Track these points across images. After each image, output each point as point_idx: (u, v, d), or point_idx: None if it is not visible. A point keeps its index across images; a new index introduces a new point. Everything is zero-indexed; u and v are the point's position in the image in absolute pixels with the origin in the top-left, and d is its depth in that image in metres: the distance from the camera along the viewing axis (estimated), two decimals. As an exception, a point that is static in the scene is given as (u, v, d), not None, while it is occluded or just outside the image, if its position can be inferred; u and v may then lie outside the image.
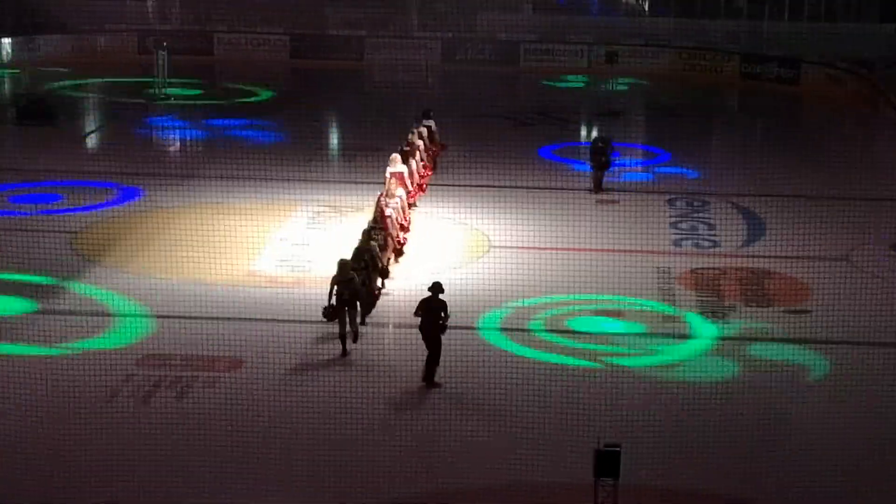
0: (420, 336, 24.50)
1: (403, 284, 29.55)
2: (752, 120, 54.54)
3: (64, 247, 32.23)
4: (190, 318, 27.85)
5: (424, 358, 24.57)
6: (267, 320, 27.83)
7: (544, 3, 63.34)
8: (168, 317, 27.93)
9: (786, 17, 59.86)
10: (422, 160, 37.14)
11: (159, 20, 64.01)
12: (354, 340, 26.11)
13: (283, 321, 27.79)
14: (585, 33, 61.25)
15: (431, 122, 39.17)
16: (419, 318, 24.50)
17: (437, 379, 24.45)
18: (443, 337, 24.48)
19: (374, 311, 27.68)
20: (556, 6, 63.42)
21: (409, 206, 33.99)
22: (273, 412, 23.34)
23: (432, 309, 24.40)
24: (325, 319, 25.96)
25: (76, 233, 33.28)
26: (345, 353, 25.93)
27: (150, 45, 55.38)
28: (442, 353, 24.56)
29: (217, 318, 27.86)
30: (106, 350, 25.87)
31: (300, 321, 27.70)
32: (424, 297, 24.59)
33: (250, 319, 27.86)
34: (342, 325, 26.02)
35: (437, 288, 24.51)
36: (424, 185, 36.59)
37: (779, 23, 59.93)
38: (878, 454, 22.33)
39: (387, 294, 28.92)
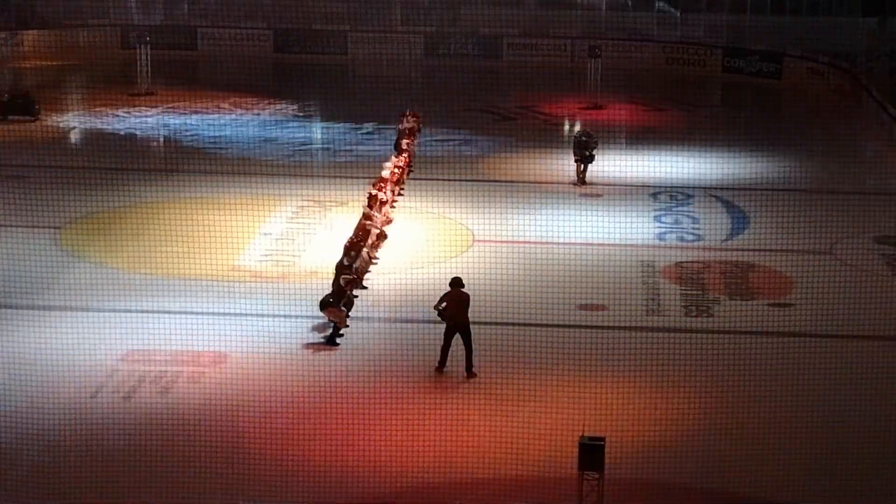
0: (446, 330, 24.82)
1: (386, 280, 29.61)
2: (735, 114, 54.60)
3: (48, 241, 32.19)
4: (174, 313, 27.81)
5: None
6: (251, 315, 27.82)
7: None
8: (152, 312, 27.89)
9: (768, 11, 59.90)
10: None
11: (142, 15, 63.82)
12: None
13: (268, 315, 27.78)
14: (568, 27, 61.25)
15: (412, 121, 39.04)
16: (435, 312, 24.94)
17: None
18: (421, 331, 24.74)
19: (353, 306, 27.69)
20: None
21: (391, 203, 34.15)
22: (257, 407, 23.33)
23: (463, 301, 24.77)
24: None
25: (60, 228, 33.21)
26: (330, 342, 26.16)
27: (133, 40, 55.19)
28: (424, 346, 24.75)
29: (201, 313, 27.83)
30: (89, 345, 25.82)
31: (284, 315, 27.71)
32: (448, 292, 24.87)
33: (234, 314, 27.84)
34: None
35: (459, 282, 24.93)
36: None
37: (761, 17, 59.97)
38: (862, 446, 22.39)
39: (366, 289, 29.03)
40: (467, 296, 24.98)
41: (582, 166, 38.44)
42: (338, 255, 28.07)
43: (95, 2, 62.75)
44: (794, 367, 24.94)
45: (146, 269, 30.48)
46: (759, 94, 55.32)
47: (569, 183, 38.21)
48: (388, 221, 33.04)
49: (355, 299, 28.01)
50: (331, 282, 26.98)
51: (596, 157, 38.56)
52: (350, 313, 27.18)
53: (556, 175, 38.54)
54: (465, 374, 24.76)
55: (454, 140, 44.15)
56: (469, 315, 24.87)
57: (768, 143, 44.79)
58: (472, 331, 24.81)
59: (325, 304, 26.34)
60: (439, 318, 24.90)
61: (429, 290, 25.36)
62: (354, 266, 28.08)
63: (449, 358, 24.86)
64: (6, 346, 25.68)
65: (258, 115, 48.17)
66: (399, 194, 35.80)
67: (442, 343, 24.88)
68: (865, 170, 41.18)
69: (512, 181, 38.19)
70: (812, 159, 41.92)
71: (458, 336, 24.79)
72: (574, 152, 38.82)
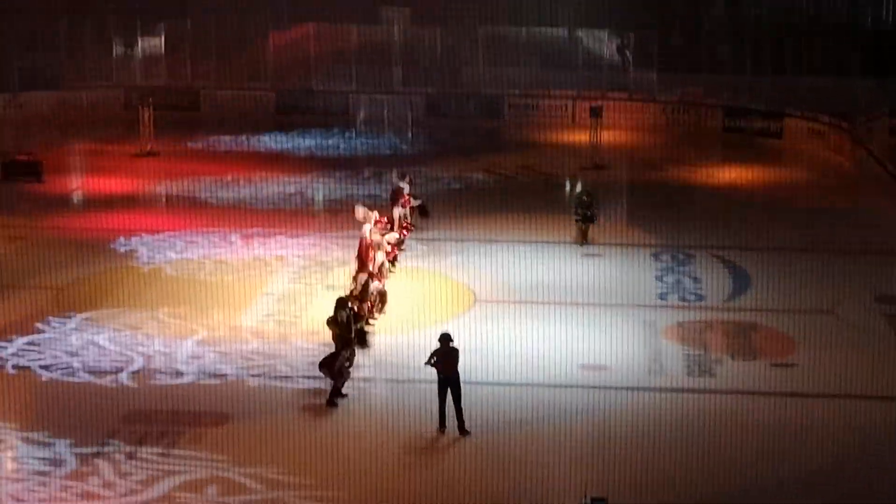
0: (438, 386, 24.90)
1: (386, 340, 29.61)
2: (736, 173, 54.62)
3: (49, 302, 32.24)
4: (174, 373, 27.82)
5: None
6: (252, 375, 27.78)
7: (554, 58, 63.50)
8: (153, 371, 27.87)
9: (769, 71, 60.09)
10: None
11: (145, 77, 64.16)
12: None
13: (269, 375, 27.75)
14: (570, 87, 61.46)
15: (406, 186, 38.95)
16: (429, 369, 25.10)
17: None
18: (422, 391, 25.15)
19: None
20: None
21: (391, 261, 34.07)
22: (260, 468, 23.28)
23: (452, 356, 24.88)
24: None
25: (62, 288, 33.27)
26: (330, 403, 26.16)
27: (136, 101, 55.43)
28: (425, 406, 24.78)
29: (202, 373, 27.82)
30: (91, 405, 25.83)
31: (286, 376, 27.69)
32: (437, 348, 24.99)
33: (236, 374, 27.81)
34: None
35: (448, 337, 25.09)
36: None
37: (761, 77, 60.16)
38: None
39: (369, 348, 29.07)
40: (456, 351, 25.05)
41: (583, 226, 38.49)
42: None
43: (99, 63, 63.13)
44: (797, 428, 24.92)
45: (148, 329, 30.48)
46: (761, 153, 55.40)
47: (570, 242, 38.21)
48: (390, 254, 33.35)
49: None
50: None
51: (597, 217, 38.63)
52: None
53: (558, 235, 38.57)
54: (458, 433, 24.74)
55: (455, 200, 44.22)
56: (459, 370, 24.91)
57: (769, 202, 44.91)
58: (463, 387, 24.83)
59: (322, 364, 26.45)
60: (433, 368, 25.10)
61: (431, 350, 25.31)
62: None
63: (448, 416, 24.88)
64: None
65: (260, 175, 48.26)
66: (400, 250, 35.75)
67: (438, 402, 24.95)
68: (866, 229, 41.18)
69: (514, 241, 38.21)
70: (813, 219, 41.99)
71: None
72: (575, 212, 38.89)
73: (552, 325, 30.80)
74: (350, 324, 26.97)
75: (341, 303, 27.15)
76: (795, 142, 56.06)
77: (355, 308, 28.32)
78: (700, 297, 34.03)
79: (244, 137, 56.34)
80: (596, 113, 51.85)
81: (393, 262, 34.13)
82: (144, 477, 22.88)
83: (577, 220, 38.68)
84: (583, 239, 38.42)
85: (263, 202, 43.55)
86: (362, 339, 28.67)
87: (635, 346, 30.05)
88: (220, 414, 25.72)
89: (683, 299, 33.88)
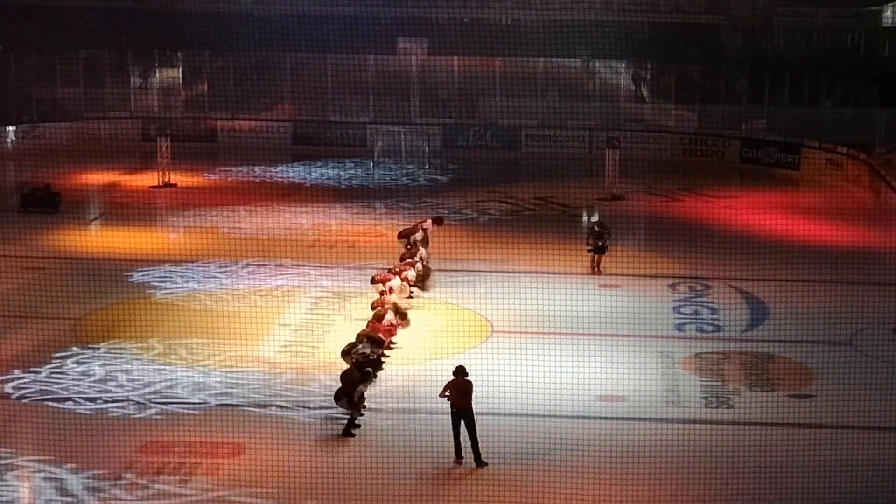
0: (452, 417, 24.91)
1: (404, 371, 29.57)
2: (753, 204, 54.59)
3: (66, 333, 32.25)
4: (191, 403, 27.80)
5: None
6: (269, 406, 27.76)
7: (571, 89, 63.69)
8: (169, 402, 27.86)
9: (786, 102, 60.04)
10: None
11: (163, 108, 64.36)
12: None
13: (286, 407, 27.72)
14: (587, 118, 61.46)
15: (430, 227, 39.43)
16: (445, 400, 25.10)
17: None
18: (438, 422, 25.09)
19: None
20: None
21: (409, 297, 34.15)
22: (276, 500, 23.24)
23: (465, 388, 24.90)
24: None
25: (79, 319, 33.30)
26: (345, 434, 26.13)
27: (153, 133, 55.59)
28: (441, 437, 24.69)
29: (219, 405, 27.80)
30: (107, 436, 25.81)
31: (303, 407, 27.66)
32: (451, 380, 25.05)
33: (252, 405, 27.79)
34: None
35: (462, 370, 25.15)
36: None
37: (779, 107, 60.11)
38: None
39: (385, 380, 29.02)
40: (470, 383, 25.04)
41: (595, 256, 38.48)
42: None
43: (116, 95, 63.32)
44: (815, 459, 24.79)
45: (165, 359, 30.50)
46: (778, 184, 55.37)
47: (586, 273, 38.14)
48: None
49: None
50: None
51: (609, 247, 38.58)
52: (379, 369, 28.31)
53: (575, 265, 38.51)
54: (475, 465, 24.66)
55: (471, 230, 44.24)
56: (473, 402, 24.87)
57: (787, 233, 44.81)
58: (476, 419, 24.77)
59: (338, 395, 26.45)
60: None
61: (447, 381, 25.27)
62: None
63: (464, 447, 24.81)
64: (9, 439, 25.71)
65: (276, 206, 48.33)
66: (414, 286, 35.73)
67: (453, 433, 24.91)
68: (884, 260, 41.08)
69: (530, 272, 38.16)
70: (830, 250, 41.89)
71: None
72: (587, 242, 38.91)
73: (569, 355, 30.74)
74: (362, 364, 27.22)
75: (358, 340, 27.39)
76: (813, 172, 56.01)
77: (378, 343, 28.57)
78: (717, 328, 33.97)
79: (261, 168, 56.43)
80: (613, 144, 51.84)
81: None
82: (160, 508, 22.93)
83: (588, 250, 38.67)
84: (595, 269, 38.38)
85: (279, 233, 43.55)
86: (376, 367, 28.75)
87: (652, 377, 29.99)
88: (237, 445, 25.70)
89: (701, 330, 33.83)
